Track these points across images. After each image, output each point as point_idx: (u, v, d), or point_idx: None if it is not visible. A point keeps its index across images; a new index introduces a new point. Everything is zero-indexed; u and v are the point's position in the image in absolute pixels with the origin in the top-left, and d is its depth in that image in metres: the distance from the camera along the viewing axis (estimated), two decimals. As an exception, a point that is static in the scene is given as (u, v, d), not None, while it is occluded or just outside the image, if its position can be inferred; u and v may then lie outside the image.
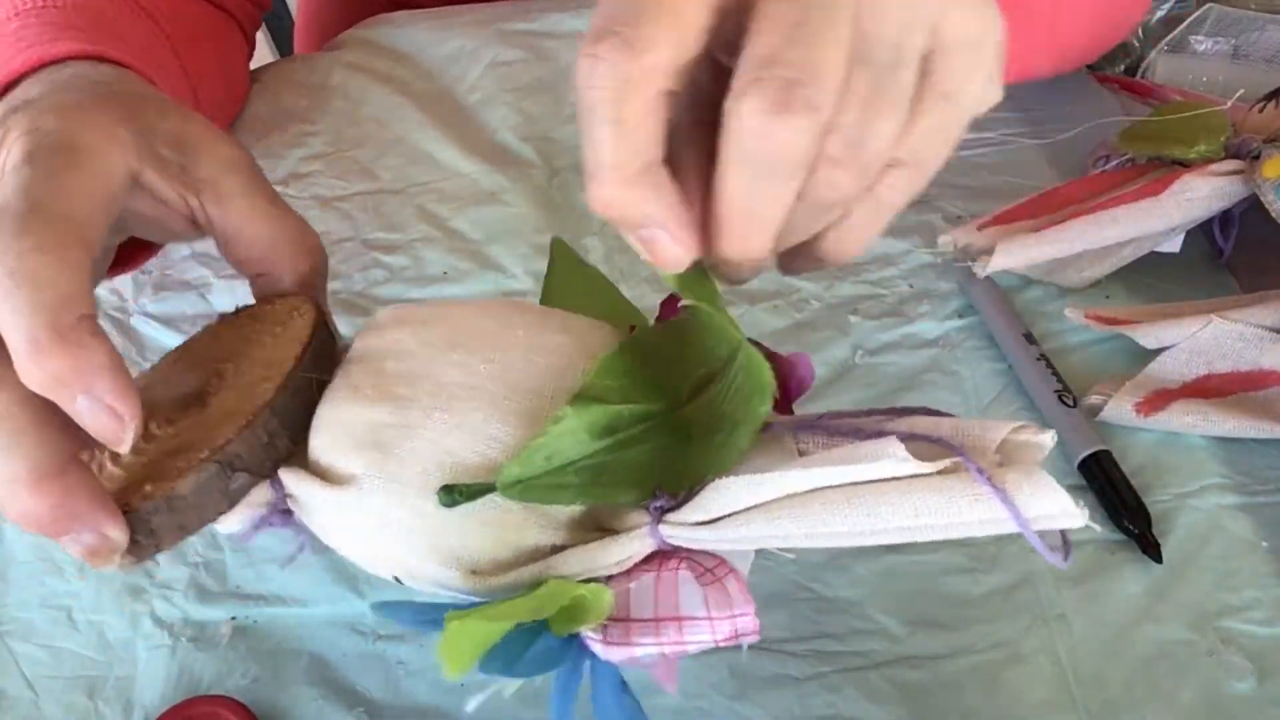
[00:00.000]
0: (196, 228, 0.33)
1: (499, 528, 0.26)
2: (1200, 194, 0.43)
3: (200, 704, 0.36)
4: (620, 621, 0.25)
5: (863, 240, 0.27)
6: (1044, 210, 0.47)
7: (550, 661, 0.26)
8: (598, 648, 0.25)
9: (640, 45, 0.22)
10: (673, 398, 0.27)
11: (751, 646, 0.36)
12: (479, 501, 0.26)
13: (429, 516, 0.26)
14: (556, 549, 0.27)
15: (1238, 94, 0.46)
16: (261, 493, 0.28)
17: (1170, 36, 0.71)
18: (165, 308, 0.53)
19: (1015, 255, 0.44)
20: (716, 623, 0.24)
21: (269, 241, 0.32)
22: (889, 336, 0.46)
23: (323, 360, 0.30)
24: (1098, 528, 0.34)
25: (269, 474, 0.28)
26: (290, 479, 0.28)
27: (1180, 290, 0.46)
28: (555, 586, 0.25)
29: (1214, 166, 0.43)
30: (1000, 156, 0.55)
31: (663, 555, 0.26)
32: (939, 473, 0.23)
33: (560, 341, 0.28)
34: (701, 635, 0.24)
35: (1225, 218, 0.46)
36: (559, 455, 0.25)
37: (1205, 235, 0.47)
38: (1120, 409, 0.40)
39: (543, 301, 0.34)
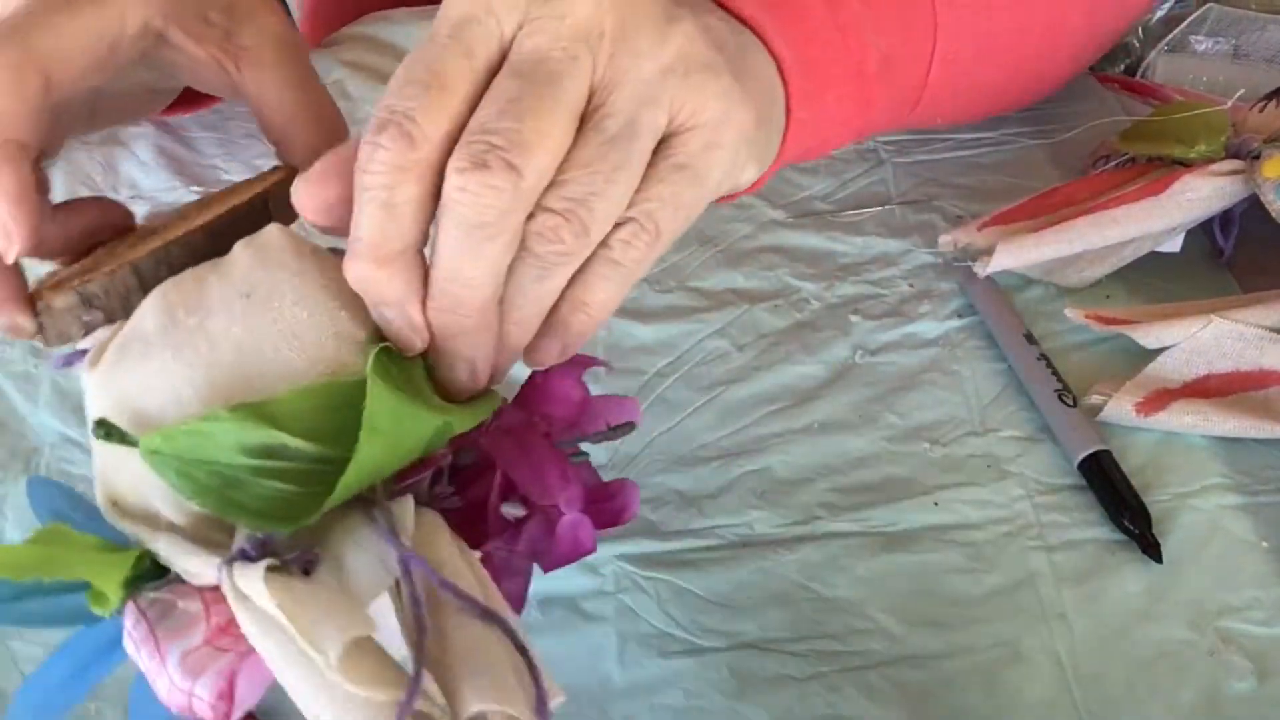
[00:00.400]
0: (233, 88, 0.35)
1: (135, 479, 0.27)
2: (1200, 194, 0.43)
3: (200, 704, 0.36)
4: (151, 625, 0.25)
5: (603, 303, 0.28)
6: (1044, 210, 0.47)
7: (66, 617, 0.27)
8: (128, 638, 0.25)
9: (418, 138, 0.24)
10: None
11: (752, 646, 0.36)
12: (136, 450, 0.26)
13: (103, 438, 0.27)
14: (173, 526, 0.26)
15: (1238, 94, 0.46)
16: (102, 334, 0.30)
17: (1170, 36, 0.71)
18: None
19: (1015, 255, 0.44)
20: (173, 689, 0.24)
21: (291, 111, 0.34)
22: (889, 336, 0.46)
23: (243, 230, 0.29)
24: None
25: (122, 319, 0.29)
26: (90, 340, 0.30)
27: (1180, 290, 0.46)
28: (75, 556, 0.26)
29: (1214, 166, 0.43)
30: (1000, 156, 0.55)
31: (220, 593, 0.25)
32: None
33: (324, 350, 0.27)
34: (159, 684, 0.24)
35: (1225, 218, 0.46)
36: (200, 450, 0.25)
37: (1205, 235, 0.47)
38: (1120, 409, 0.40)
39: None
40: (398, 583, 0.24)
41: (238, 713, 0.25)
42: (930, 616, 0.36)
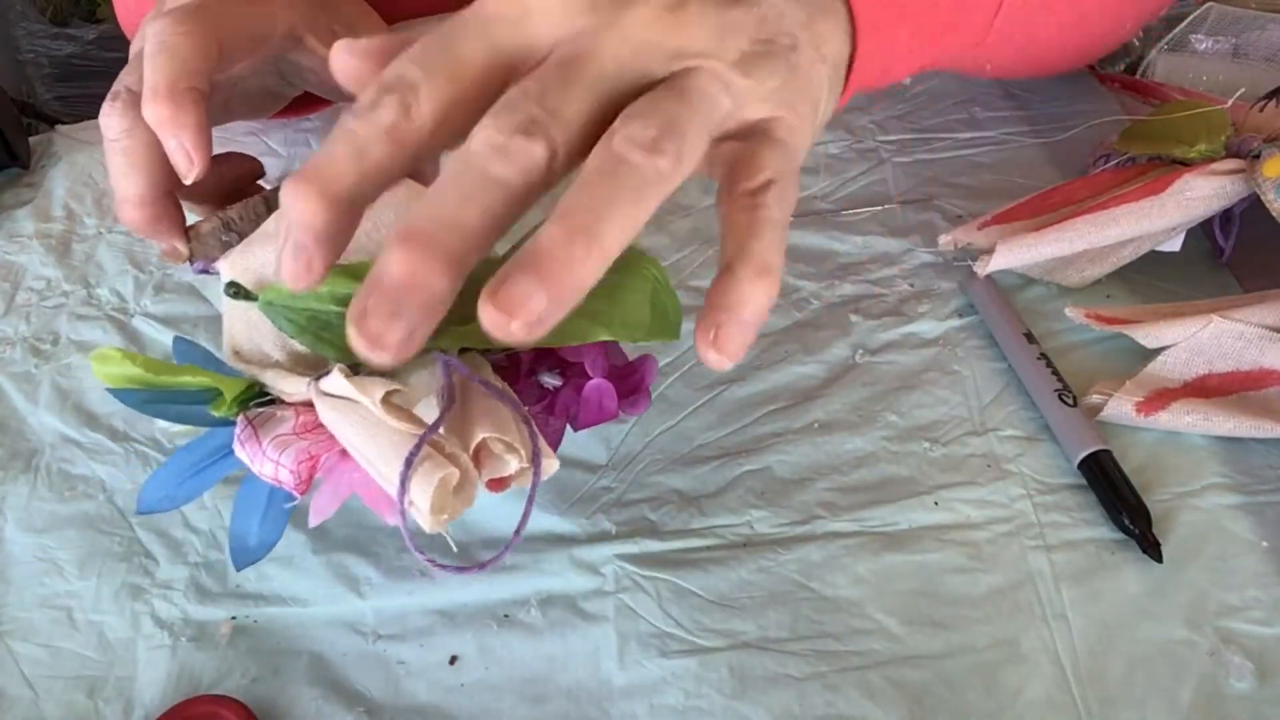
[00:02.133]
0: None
1: (250, 328, 0.34)
2: (1201, 193, 0.43)
3: (200, 704, 0.36)
4: (255, 428, 0.33)
5: (778, 263, 0.26)
6: (1044, 209, 0.47)
7: (194, 418, 0.35)
8: (237, 439, 0.33)
9: (414, 114, 0.26)
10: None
11: (752, 646, 0.36)
12: (254, 306, 0.33)
13: (231, 302, 0.35)
14: (278, 363, 0.34)
15: (1238, 93, 0.46)
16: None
17: (1170, 35, 0.71)
18: (166, 308, 0.53)
19: (1015, 254, 0.44)
20: (265, 460, 0.32)
21: None
22: (889, 336, 0.46)
23: None
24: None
25: None
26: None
27: (1181, 290, 0.46)
28: (206, 375, 0.34)
29: (1214, 166, 0.43)
30: (1000, 155, 0.55)
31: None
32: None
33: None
34: (255, 462, 0.32)
35: (1226, 217, 0.46)
36: (302, 300, 0.32)
37: (1206, 235, 0.47)
38: (1120, 408, 0.40)
39: None
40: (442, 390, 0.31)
41: (316, 517, 0.33)
42: (930, 616, 0.36)
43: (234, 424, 0.33)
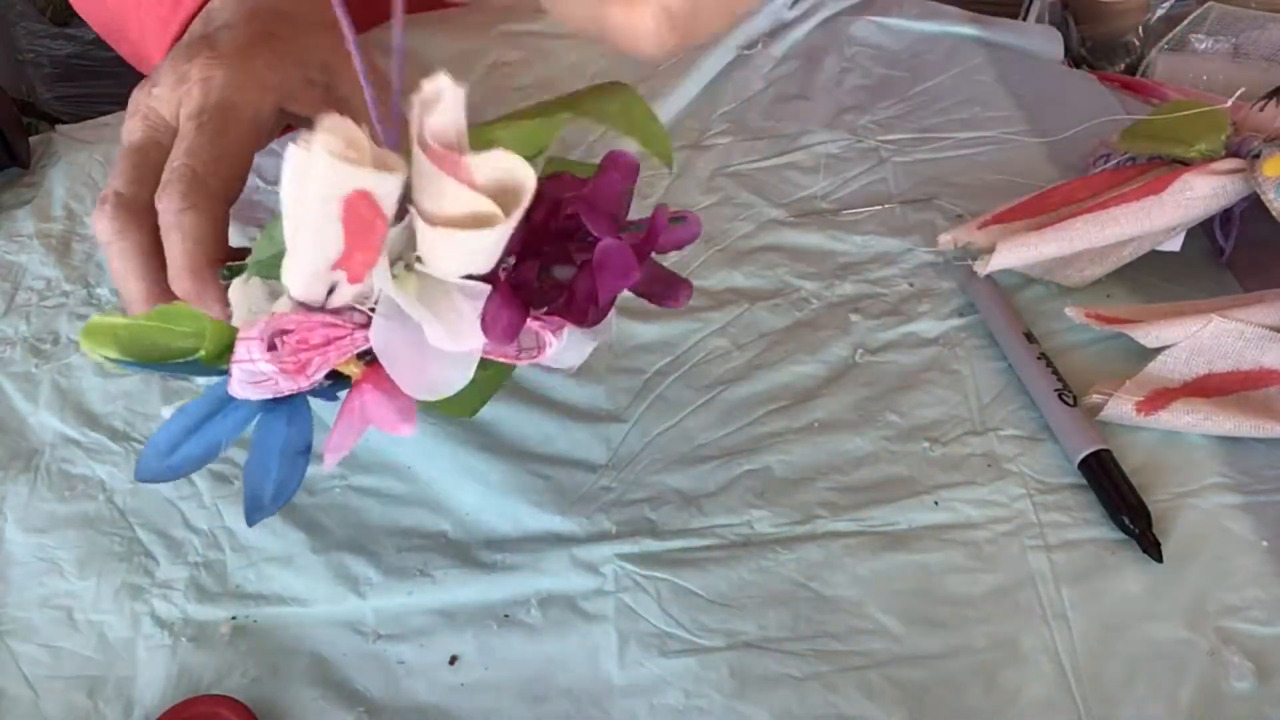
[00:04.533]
0: None
1: (250, 301, 0.33)
2: (1201, 193, 0.43)
3: (200, 704, 0.36)
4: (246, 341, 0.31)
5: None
6: (1044, 209, 0.47)
7: (188, 369, 0.35)
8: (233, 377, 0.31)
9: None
10: None
11: (752, 646, 0.36)
12: (247, 276, 0.32)
13: (233, 289, 0.33)
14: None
15: (1238, 92, 0.46)
16: None
17: (1171, 35, 0.71)
18: (165, 307, 0.53)
19: (1015, 254, 0.44)
20: (258, 344, 0.30)
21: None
22: (889, 335, 0.46)
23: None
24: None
25: None
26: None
27: (1181, 289, 0.46)
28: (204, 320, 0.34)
29: (1214, 165, 0.43)
30: (1000, 155, 0.55)
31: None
32: None
33: None
34: (245, 352, 0.31)
35: (1226, 217, 0.46)
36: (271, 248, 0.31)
37: (1206, 234, 0.47)
38: (1120, 408, 0.40)
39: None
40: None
41: (331, 455, 0.32)
42: (930, 616, 0.36)
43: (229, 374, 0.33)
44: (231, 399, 0.33)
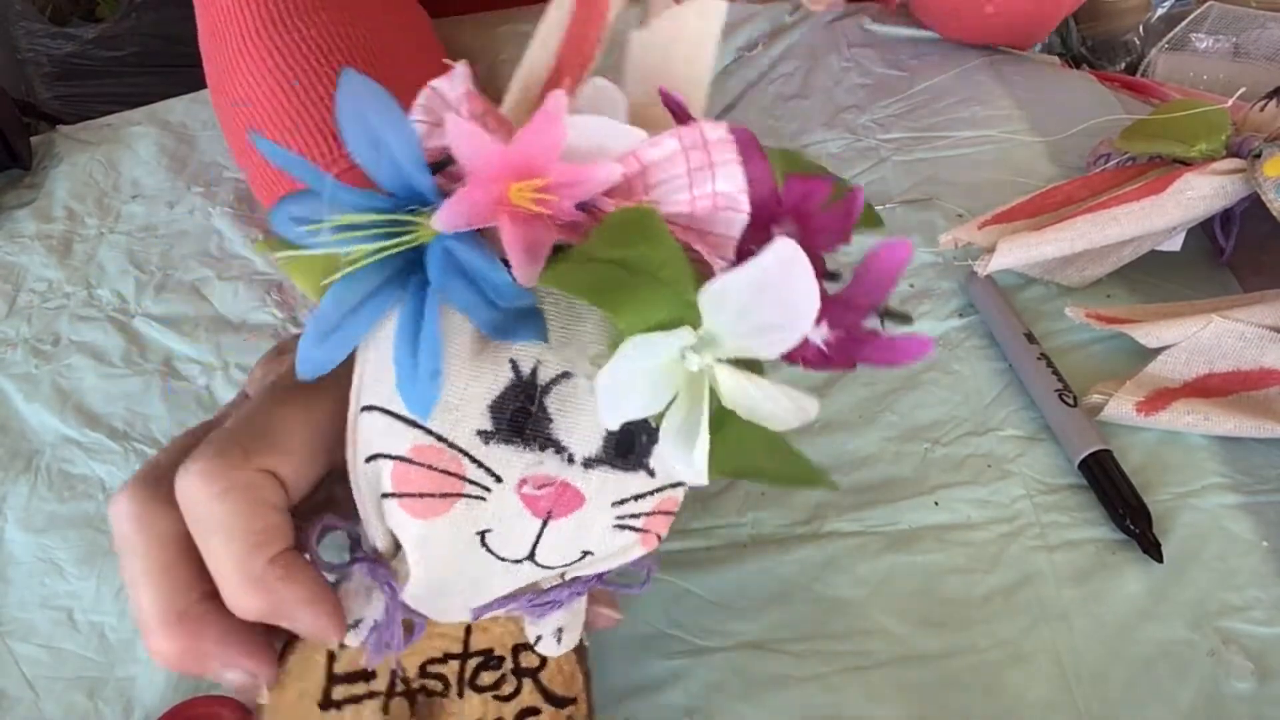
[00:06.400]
0: None
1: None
2: (1201, 193, 0.43)
3: (200, 704, 0.36)
4: None
5: None
6: (1044, 209, 0.47)
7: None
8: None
9: None
10: None
11: (753, 647, 0.36)
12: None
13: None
14: None
15: (1239, 92, 0.46)
16: None
17: (1171, 34, 0.71)
18: (167, 309, 0.53)
19: (1016, 254, 0.44)
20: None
21: None
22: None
23: None
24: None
25: None
26: None
27: (1181, 289, 0.46)
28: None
29: (1215, 165, 0.43)
30: (1001, 155, 0.55)
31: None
32: None
33: None
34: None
35: (1226, 217, 0.46)
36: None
37: (1206, 234, 0.47)
38: (1121, 408, 0.40)
39: None
40: None
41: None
42: (931, 616, 0.36)
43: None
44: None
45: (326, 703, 0.29)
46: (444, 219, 0.23)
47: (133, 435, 0.46)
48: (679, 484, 0.27)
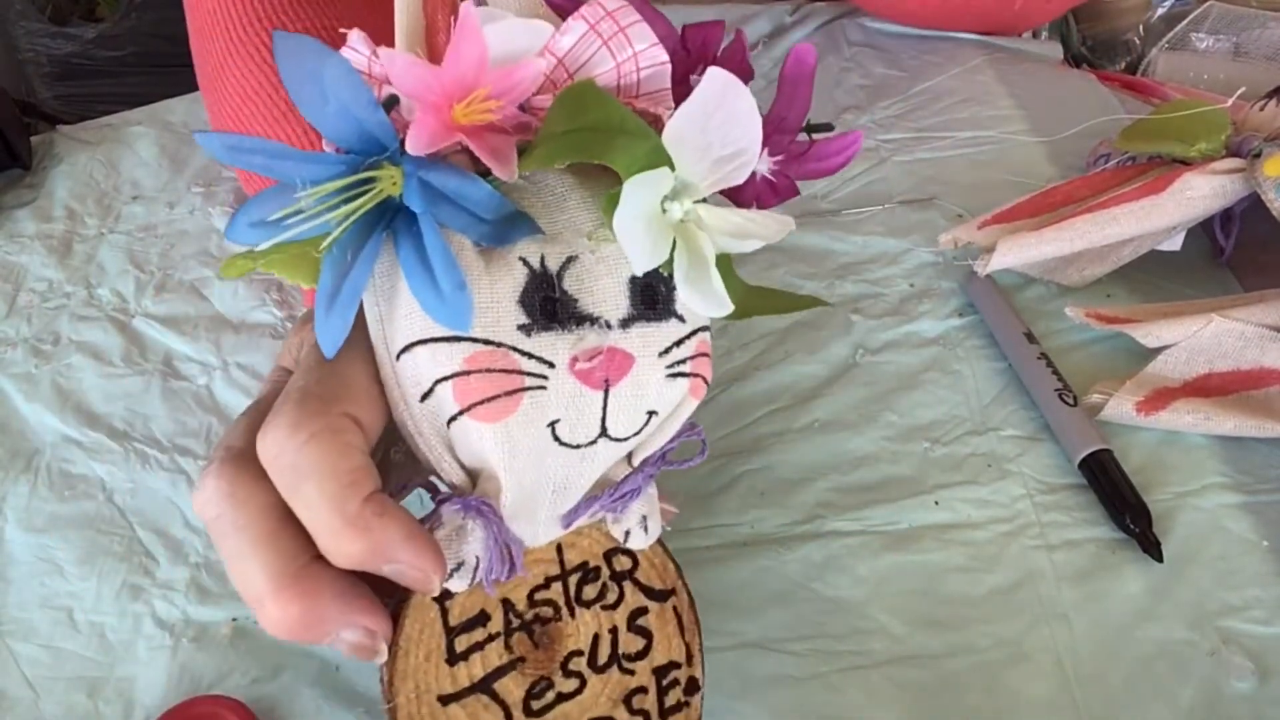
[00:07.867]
0: None
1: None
2: (1201, 193, 0.43)
3: (200, 704, 0.36)
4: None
5: None
6: (1044, 209, 0.47)
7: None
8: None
9: None
10: None
11: (753, 646, 0.36)
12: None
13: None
14: None
15: (1239, 91, 0.46)
16: None
17: (1171, 34, 0.71)
18: (167, 309, 0.53)
19: (1016, 254, 0.44)
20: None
21: None
22: (890, 335, 0.46)
23: None
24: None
25: None
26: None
27: (1181, 289, 0.46)
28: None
29: (1215, 165, 0.43)
30: (1000, 154, 0.55)
31: None
32: None
33: None
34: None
35: (1226, 216, 0.46)
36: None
37: (1206, 234, 0.47)
38: (1121, 408, 0.40)
39: None
40: None
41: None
42: (931, 616, 0.36)
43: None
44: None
45: (453, 657, 0.29)
46: (414, 144, 0.24)
47: (133, 435, 0.46)
48: (707, 327, 0.29)
